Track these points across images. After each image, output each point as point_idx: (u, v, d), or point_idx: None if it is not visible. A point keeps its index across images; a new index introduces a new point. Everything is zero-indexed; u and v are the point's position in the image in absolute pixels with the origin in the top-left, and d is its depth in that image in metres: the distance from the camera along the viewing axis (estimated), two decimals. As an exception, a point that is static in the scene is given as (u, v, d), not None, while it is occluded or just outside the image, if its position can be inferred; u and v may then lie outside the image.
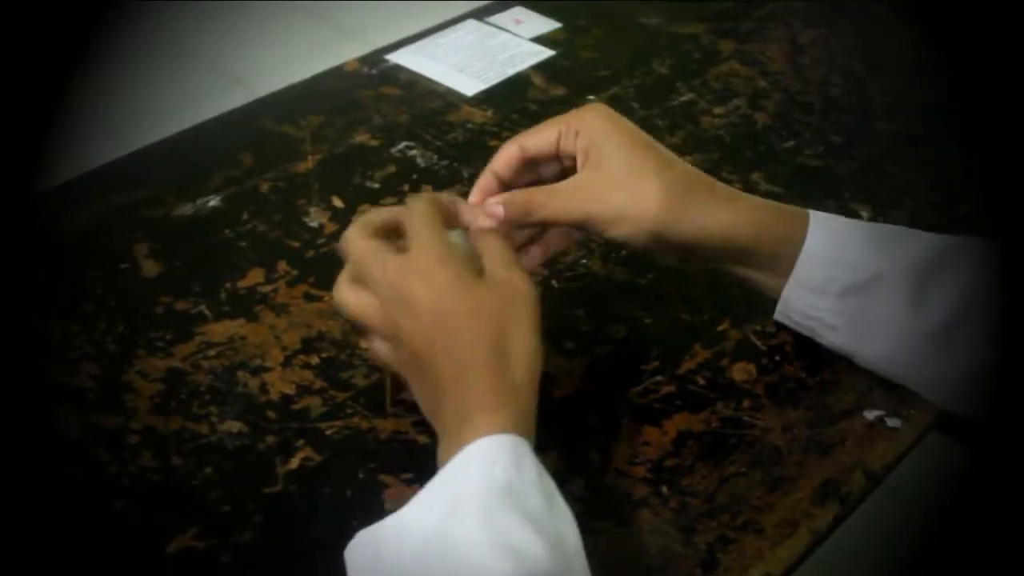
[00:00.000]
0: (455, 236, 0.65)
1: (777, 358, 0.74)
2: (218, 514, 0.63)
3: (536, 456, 0.57)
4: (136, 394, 0.70)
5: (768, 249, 0.68)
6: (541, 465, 0.57)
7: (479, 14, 1.13)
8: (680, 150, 0.93)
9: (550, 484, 0.57)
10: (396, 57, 1.05)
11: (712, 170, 0.90)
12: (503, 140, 0.70)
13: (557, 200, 0.67)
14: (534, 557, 0.52)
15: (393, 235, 0.64)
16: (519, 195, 0.67)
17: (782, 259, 0.68)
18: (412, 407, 0.65)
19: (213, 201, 0.86)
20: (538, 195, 0.67)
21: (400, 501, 0.56)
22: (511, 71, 1.04)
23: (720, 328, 0.76)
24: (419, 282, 0.59)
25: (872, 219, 0.84)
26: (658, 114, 0.98)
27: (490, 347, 0.58)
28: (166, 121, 0.94)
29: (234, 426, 0.68)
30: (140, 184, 0.87)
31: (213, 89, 0.94)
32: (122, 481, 0.64)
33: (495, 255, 0.63)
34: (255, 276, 0.79)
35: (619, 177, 0.66)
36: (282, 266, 0.80)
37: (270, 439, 0.67)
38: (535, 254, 0.71)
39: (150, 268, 0.79)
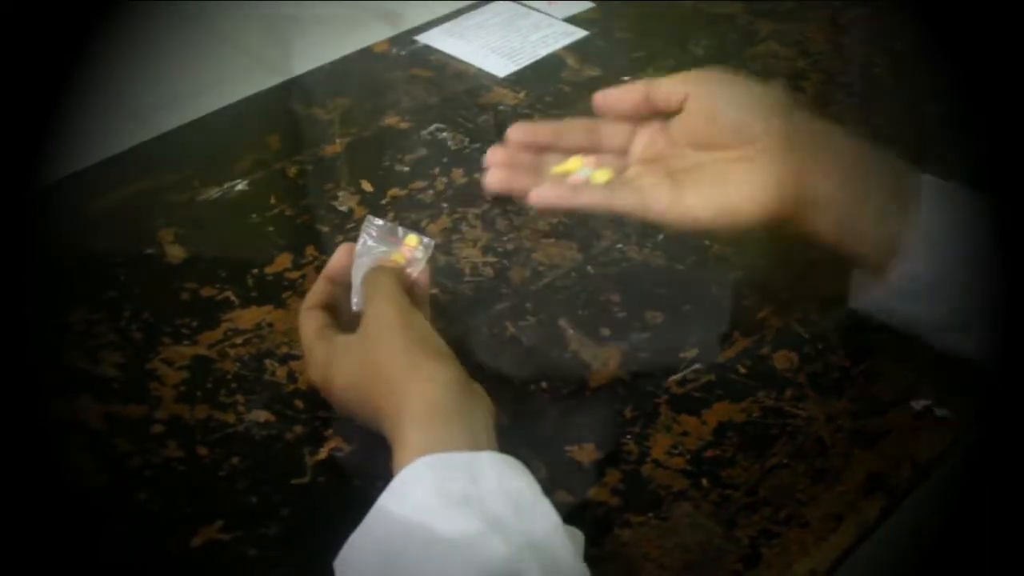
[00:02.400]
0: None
1: (820, 346, 0.72)
2: (244, 506, 0.61)
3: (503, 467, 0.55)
4: (161, 383, 0.68)
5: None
6: (507, 474, 0.54)
7: (511, -6, 1.11)
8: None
9: (517, 490, 0.54)
10: (426, 38, 1.04)
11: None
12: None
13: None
14: (494, 556, 0.50)
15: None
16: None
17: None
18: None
19: (240, 185, 0.85)
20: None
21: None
22: (543, 52, 1.02)
23: (761, 315, 0.74)
24: (311, 368, 0.65)
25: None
26: (695, 95, 0.96)
27: (380, 382, 0.59)
28: (197, 103, 0.93)
29: (261, 415, 0.66)
30: (166, 168, 0.86)
31: (244, 72, 0.93)
32: (146, 472, 0.63)
33: (369, 297, 0.64)
34: (282, 262, 0.78)
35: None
36: (310, 251, 0.78)
37: (298, 429, 0.66)
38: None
39: (175, 254, 0.78)
